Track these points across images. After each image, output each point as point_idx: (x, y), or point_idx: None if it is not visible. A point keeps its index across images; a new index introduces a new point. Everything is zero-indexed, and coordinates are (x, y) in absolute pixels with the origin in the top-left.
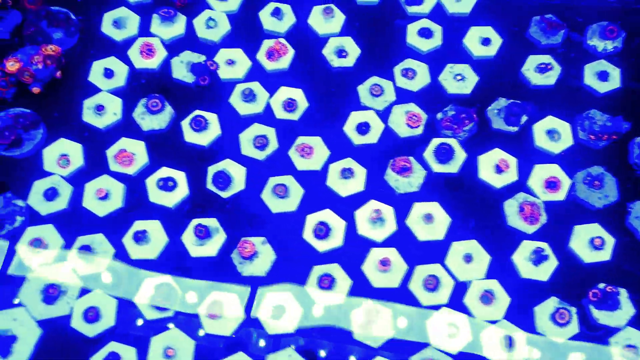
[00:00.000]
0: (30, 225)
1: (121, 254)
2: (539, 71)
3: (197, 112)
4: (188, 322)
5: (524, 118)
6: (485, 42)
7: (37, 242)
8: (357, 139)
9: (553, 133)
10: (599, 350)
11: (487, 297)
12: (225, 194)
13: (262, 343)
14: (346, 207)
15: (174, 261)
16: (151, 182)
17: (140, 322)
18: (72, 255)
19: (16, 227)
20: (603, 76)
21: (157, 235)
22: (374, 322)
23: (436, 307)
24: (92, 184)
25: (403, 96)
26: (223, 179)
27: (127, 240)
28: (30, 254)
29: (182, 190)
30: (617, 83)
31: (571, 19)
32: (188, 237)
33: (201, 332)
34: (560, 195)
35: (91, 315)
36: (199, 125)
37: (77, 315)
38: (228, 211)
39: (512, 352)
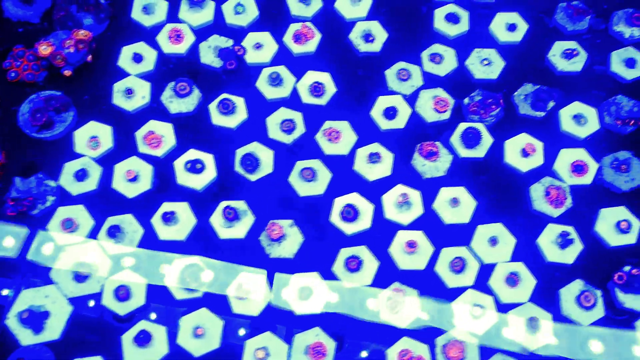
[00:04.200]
0: (61, 205)
1: (150, 235)
2: (565, 57)
3: (225, 95)
4: (217, 302)
5: (551, 103)
6: (511, 27)
7: (68, 222)
8: (384, 124)
9: (579, 118)
10: (618, 336)
11: (512, 280)
12: (253, 177)
13: None
14: (373, 191)
15: (203, 243)
16: (179, 164)
17: (170, 302)
18: (102, 235)
19: (48, 207)
20: (630, 63)
21: (185, 216)
22: (400, 305)
23: (462, 289)
24: (121, 166)
25: (430, 81)
26: (251, 162)
27: (156, 221)
28: (61, 233)
29: (210, 173)
30: None
31: (597, 4)
32: (217, 219)
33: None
34: (586, 179)
35: (122, 293)
36: (227, 108)
37: (108, 294)
38: (256, 194)
39: (536, 334)
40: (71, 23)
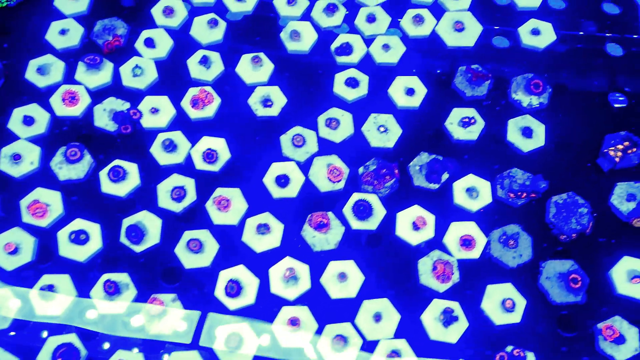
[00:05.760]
0: None
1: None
2: (462, 125)
3: (116, 162)
4: None
5: (445, 175)
6: (410, 92)
7: None
8: (277, 192)
9: (472, 191)
10: None
11: (394, 358)
12: (138, 248)
13: None
14: (261, 263)
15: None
16: (63, 235)
17: None
18: None
19: None
20: (527, 132)
21: (65, 290)
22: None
23: None
24: (2, 238)
25: (325, 147)
26: (136, 233)
27: (34, 295)
28: None
29: (95, 244)
30: (541, 141)
31: (497, 69)
32: (97, 293)
33: None
34: (474, 254)
35: None
36: (117, 175)
37: None
38: (141, 266)
39: None
40: None
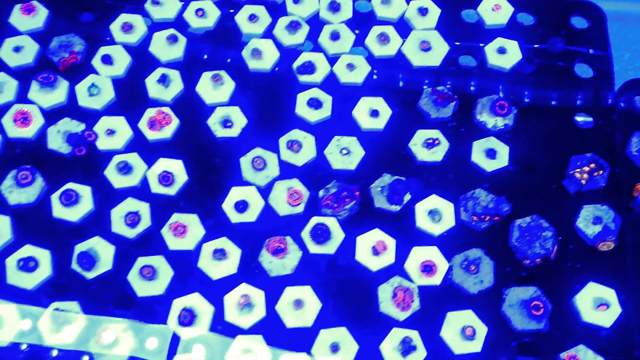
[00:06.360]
0: None
1: None
2: (427, 146)
3: (69, 185)
4: None
5: (407, 196)
6: (374, 113)
7: None
8: (235, 217)
9: (434, 214)
10: None
11: None
12: (90, 275)
13: None
14: (217, 290)
15: (28, 350)
16: (11, 262)
17: None
18: None
19: None
20: (491, 154)
21: (11, 320)
22: None
23: None
24: None
25: (287, 170)
26: (87, 259)
27: None
28: None
29: (44, 271)
30: (504, 162)
31: (463, 90)
32: (45, 323)
33: None
34: (436, 280)
35: None
36: (69, 199)
37: None
38: (93, 293)
39: None
40: None
